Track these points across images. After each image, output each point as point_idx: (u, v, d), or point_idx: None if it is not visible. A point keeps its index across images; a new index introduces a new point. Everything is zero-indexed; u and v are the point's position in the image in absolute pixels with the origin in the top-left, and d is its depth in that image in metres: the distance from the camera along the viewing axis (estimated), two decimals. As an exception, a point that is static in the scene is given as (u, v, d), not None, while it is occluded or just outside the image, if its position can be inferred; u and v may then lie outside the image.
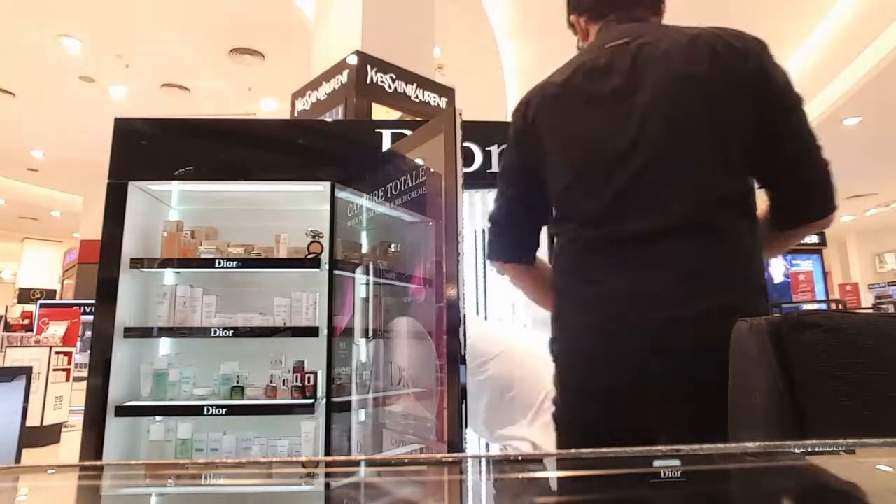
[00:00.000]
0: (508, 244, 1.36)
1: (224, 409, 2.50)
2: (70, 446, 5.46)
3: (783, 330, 0.82)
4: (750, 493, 0.59)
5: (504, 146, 2.75)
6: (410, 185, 2.15)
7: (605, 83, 1.14)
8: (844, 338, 0.83)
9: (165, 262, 2.71)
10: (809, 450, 0.67)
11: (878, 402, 0.80)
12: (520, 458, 1.09)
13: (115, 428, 2.46)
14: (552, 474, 0.68)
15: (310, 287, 2.74)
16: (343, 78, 4.01)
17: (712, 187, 1.05)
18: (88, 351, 2.57)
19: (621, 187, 1.08)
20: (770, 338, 0.81)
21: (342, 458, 2.22)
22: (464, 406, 1.77)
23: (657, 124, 1.07)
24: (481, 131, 2.68)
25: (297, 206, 2.94)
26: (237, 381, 2.62)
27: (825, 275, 10.17)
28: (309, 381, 2.60)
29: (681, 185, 1.05)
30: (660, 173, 1.06)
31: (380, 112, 3.94)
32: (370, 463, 1.14)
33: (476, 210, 2.74)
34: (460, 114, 1.88)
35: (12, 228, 15.81)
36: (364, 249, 2.58)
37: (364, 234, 2.58)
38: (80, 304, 8.17)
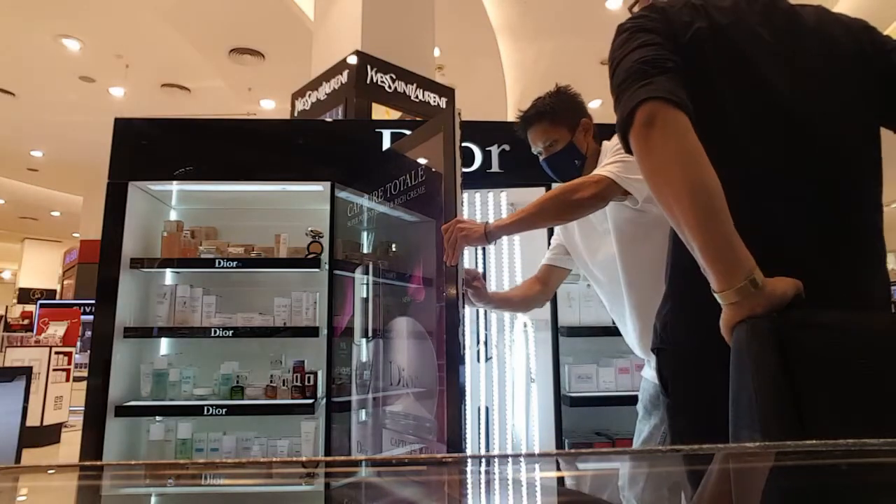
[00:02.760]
0: None
1: (224, 409, 2.50)
2: (70, 446, 5.46)
3: (785, 329, 0.81)
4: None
5: (504, 146, 2.77)
6: (410, 184, 2.15)
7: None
8: (847, 337, 0.83)
9: (165, 262, 2.72)
10: (810, 450, 0.67)
11: (882, 401, 0.79)
12: (519, 456, 1.09)
13: (115, 428, 2.46)
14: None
15: (310, 287, 2.74)
16: (343, 78, 4.01)
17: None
18: (88, 351, 2.57)
19: None
20: (771, 338, 0.81)
21: (342, 458, 2.22)
22: (463, 406, 1.76)
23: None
24: (481, 131, 2.68)
25: (297, 206, 2.94)
26: (237, 381, 2.62)
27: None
28: (309, 381, 2.60)
29: None
30: None
31: (380, 112, 3.95)
32: (370, 463, 1.14)
33: (476, 210, 2.74)
34: (459, 113, 1.88)
35: (12, 228, 15.81)
36: (364, 249, 2.58)
37: (364, 234, 2.59)
38: (80, 304, 8.17)
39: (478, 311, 2.67)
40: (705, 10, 1.03)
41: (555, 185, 1.97)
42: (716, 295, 0.87)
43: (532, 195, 2.50)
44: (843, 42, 1.06)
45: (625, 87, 0.94)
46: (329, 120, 3.94)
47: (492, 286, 2.68)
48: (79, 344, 6.72)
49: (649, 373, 1.74)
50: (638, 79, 0.93)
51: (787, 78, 1.02)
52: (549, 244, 2.48)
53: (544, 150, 1.81)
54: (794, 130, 1.01)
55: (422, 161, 2.10)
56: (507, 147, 2.69)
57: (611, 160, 1.57)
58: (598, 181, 1.51)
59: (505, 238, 2.40)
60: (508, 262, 2.70)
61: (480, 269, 2.68)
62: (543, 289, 1.95)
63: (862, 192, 1.03)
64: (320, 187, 2.68)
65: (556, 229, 2.00)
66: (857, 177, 1.03)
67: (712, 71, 1.01)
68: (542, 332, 2.63)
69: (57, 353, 5.89)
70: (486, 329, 2.68)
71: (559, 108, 1.80)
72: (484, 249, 2.70)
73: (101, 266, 2.54)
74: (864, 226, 1.02)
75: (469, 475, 0.72)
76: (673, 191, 0.87)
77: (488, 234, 1.61)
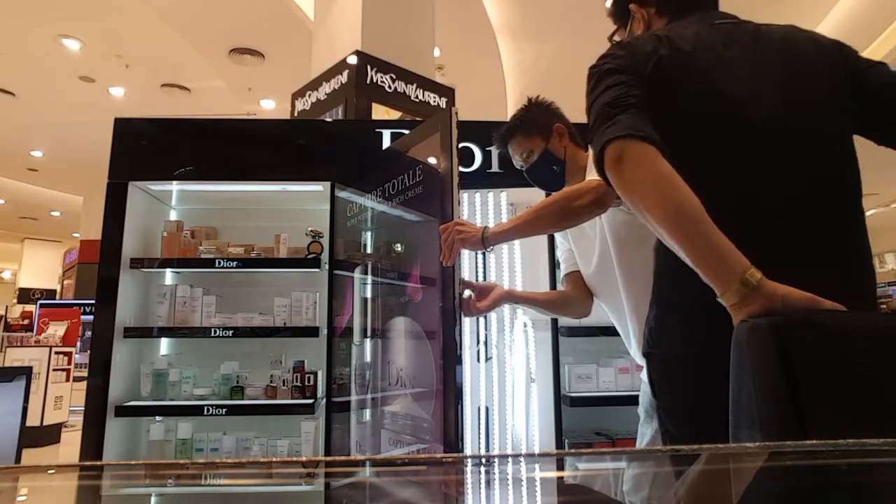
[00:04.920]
0: None
1: (224, 409, 2.50)
2: (70, 446, 5.46)
3: (785, 330, 0.81)
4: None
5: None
6: (408, 184, 2.15)
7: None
8: (848, 337, 0.83)
9: (165, 262, 2.71)
10: (810, 450, 0.67)
11: (883, 401, 0.79)
12: (519, 456, 1.09)
13: (115, 428, 2.46)
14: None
15: (310, 287, 2.74)
16: (343, 78, 4.01)
17: None
18: (88, 351, 2.57)
19: None
20: (771, 338, 0.81)
21: (342, 458, 2.22)
22: (460, 406, 1.76)
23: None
24: (481, 131, 2.68)
25: (297, 206, 2.94)
26: (237, 381, 2.62)
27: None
28: (309, 381, 2.60)
29: None
30: None
31: (380, 112, 3.94)
32: (370, 463, 1.14)
33: (476, 210, 2.74)
34: (456, 113, 1.88)
35: (12, 228, 15.81)
36: (364, 249, 2.58)
37: (364, 234, 2.59)
38: (80, 304, 8.17)
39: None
40: (668, 40, 1.08)
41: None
42: (719, 300, 0.89)
43: (532, 195, 2.51)
44: (811, 57, 1.09)
45: (593, 130, 1.02)
46: (329, 120, 3.94)
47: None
48: (79, 344, 6.72)
49: (645, 375, 1.74)
50: (603, 121, 1.00)
51: (754, 95, 1.05)
52: (550, 249, 2.46)
53: (523, 162, 1.82)
54: (766, 146, 1.03)
55: (420, 161, 2.10)
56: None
57: None
58: (596, 187, 1.50)
59: (505, 243, 2.39)
60: (509, 267, 2.70)
61: (481, 275, 2.68)
62: (576, 293, 1.87)
63: (841, 201, 1.06)
64: (320, 187, 2.68)
65: (557, 237, 1.99)
66: (836, 186, 1.05)
67: (679, 95, 1.06)
68: (542, 332, 2.63)
69: (57, 353, 5.89)
70: (486, 329, 2.67)
71: (529, 119, 1.81)
72: (484, 255, 2.70)
73: (101, 266, 2.54)
74: (846, 234, 1.05)
75: (469, 475, 0.72)
76: (654, 215, 0.93)
77: (486, 240, 1.60)
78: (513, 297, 1.89)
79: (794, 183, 1.02)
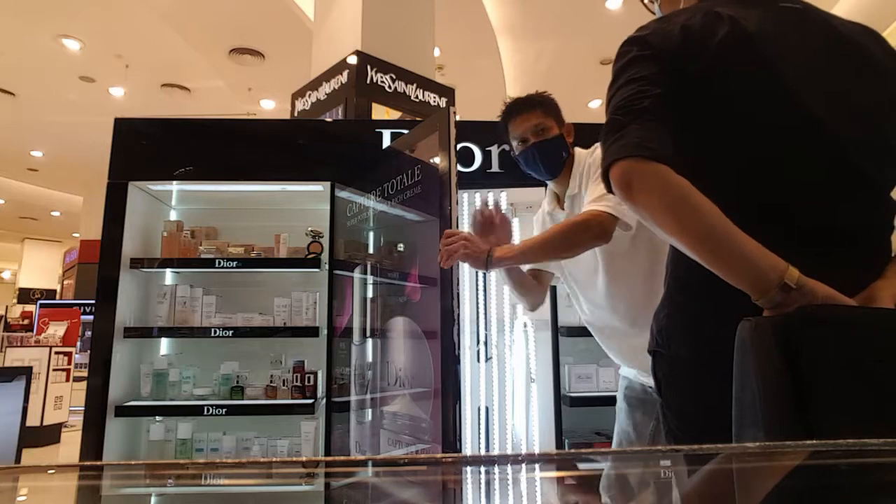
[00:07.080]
0: None
1: (224, 409, 2.50)
2: (70, 446, 5.46)
3: (791, 326, 0.80)
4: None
5: (504, 146, 2.76)
6: (407, 184, 2.15)
7: None
8: (858, 333, 0.81)
9: (165, 262, 2.72)
10: (811, 450, 0.67)
11: (889, 400, 0.78)
12: (519, 457, 1.08)
13: (115, 428, 2.46)
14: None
15: (310, 287, 2.74)
16: (343, 78, 4.01)
17: None
18: (88, 351, 2.57)
19: None
20: (774, 335, 0.80)
21: (342, 458, 2.22)
22: (459, 406, 1.76)
23: None
24: (481, 131, 2.68)
25: (297, 206, 2.94)
26: (237, 381, 2.62)
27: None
28: (309, 381, 2.60)
29: None
30: None
31: (380, 112, 3.94)
32: (371, 463, 1.14)
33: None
34: (454, 112, 1.88)
35: (12, 228, 15.80)
36: (364, 249, 2.58)
37: (364, 234, 2.59)
38: (80, 304, 8.17)
39: (478, 311, 2.67)
40: (731, 20, 1.01)
41: (550, 184, 1.93)
42: (757, 303, 0.87)
43: (532, 195, 2.51)
44: (884, 68, 1.04)
45: (603, 139, 0.98)
46: (329, 120, 3.94)
47: (491, 292, 2.68)
48: (79, 344, 6.72)
49: (628, 371, 1.83)
50: (611, 132, 0.96)
51: (813, 92, 0.99)
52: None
53: (533, 136, 1.76)
54: (815, 145, 0.98)
55: (419, 160, 2.10)
56: (507, 147, 2.69)
57: (600, 195, 1.55)
58: (602, 221, 1.52)
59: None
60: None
61: (481, 275, 2.67)
62: (536, 285, 1.91)
63: (886, 212, 1.01)
64: (320, 187, 2.68)
65: (536, 229, 1.98)
66: (883, 196, 1.01)
67: (731, 78, 0.99)
68: (542, 332, 2.63)
69: (57, 353, 5.90)
70: (486, 329, 2.67)
71: (550, 104, 1.82)
72: (485, 273, 2.67)
73: (101, 266, 2.54)
74: (884, 247, 1.00)
75: (469, 476, 0.72)
76: (675, 238, 0.91)
77: (489, 263, 1.61)
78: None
79: (836, 190, 0.98)
